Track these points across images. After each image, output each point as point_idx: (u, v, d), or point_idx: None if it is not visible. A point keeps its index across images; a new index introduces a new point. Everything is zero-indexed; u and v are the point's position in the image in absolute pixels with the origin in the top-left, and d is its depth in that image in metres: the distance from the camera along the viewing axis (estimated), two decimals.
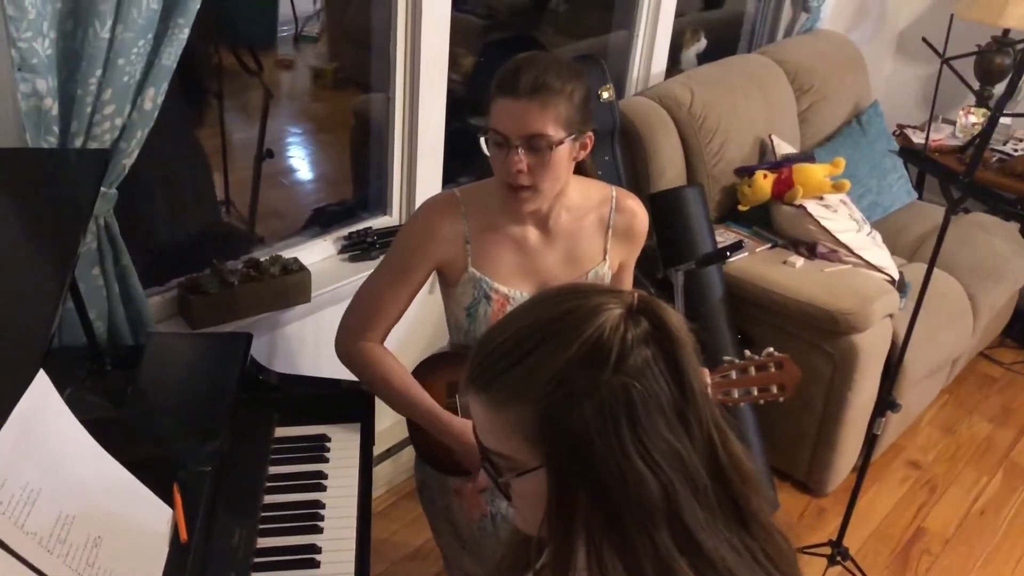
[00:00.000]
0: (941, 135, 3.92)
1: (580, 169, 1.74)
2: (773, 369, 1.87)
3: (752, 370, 1.86)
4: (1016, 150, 3.79)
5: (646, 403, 0.86)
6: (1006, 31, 3.80)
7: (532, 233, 1.73)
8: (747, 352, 1.89)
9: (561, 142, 1.55)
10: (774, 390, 1.87)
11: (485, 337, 0.94)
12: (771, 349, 1.88)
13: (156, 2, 1.60)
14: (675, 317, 0.91)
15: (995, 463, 3.21)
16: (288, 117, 4.05)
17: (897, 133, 3.95)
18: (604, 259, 1.76)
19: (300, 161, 4.00)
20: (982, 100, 4.03)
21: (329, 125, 4.13)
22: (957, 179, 1.97)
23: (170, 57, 1.67)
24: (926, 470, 3.16)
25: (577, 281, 0.93)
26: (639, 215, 1.79)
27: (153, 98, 1.69)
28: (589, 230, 1.76)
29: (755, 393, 1.88)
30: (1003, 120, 3.74)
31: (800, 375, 1.85)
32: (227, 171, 3.05)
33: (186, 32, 1.67)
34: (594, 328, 0.87)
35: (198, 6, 1.67)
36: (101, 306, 1.79)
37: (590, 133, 1.64)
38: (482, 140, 1.61)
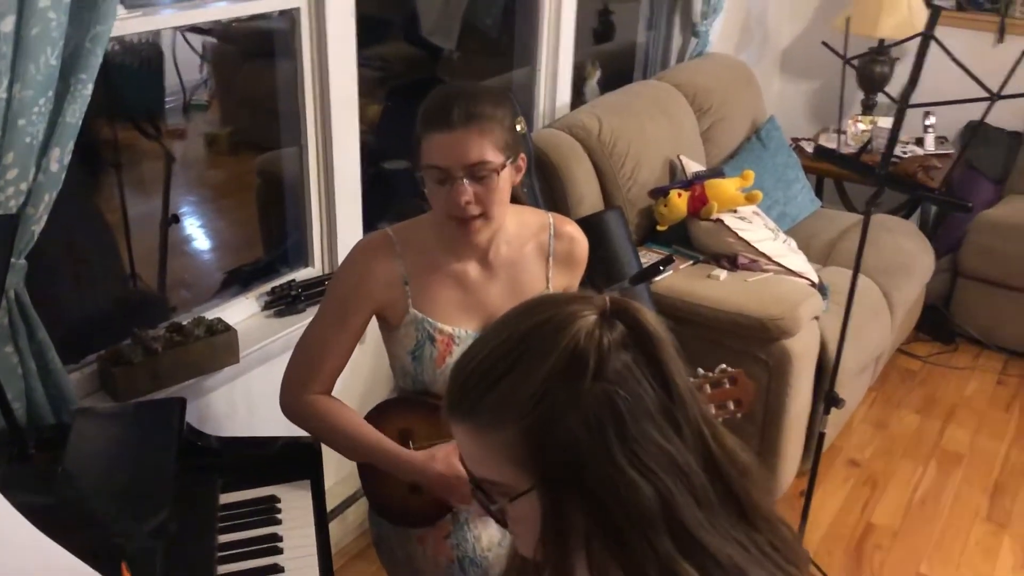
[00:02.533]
0: (833, 144, 4.07)
1: (513, 198, 1.73)
2: (728, 385, 1.85)
3: (707, 388, 1.84)
4: (905, 152, 3.97)
5: (631, 409, 0.84)
6: (881, 41, 3.99)
7: (472, 268, 1.70)
8: (700, 370, 1.87)
9: (503, 166, 1.53)
10: (731, 407, 1.84)
11: (460, 362, 0.91)
12: (724, 365, 1.86)
13: (55, 57, 1.52)
14: (651, 317, 0.89)
15: (928, 452, 3.30)
16: (185, 186, 3.94)
17: (792, 146, 4.09)
18: (548, 287, 1.73)
19: (203, 229, 3.88)
20: (867, 108, 4.22)
21: (229, 190, 4.04)
22: (874, 172, 2.03)
23: (74, 115, 1.59)
24: (865, 467, 3.22)
25: (549, 292, 0.91)
26: (579, 240, 1.77)
27: (59, 159, 1.59)
28: (529, 259, 1.73)
29: (712, 411, 1.85)
30: (885, 125, 3.93)
31: (756, 388, 1.84)
32: (130, 243, 2.93)
33: (89, 88, 1.59)
34: (569, 338, 0.85)
35: (100, 61, 1.60)
36: (17, 386, 1.67)
37: (523, 155, 1.63)
38: (419, 179, 1.57)
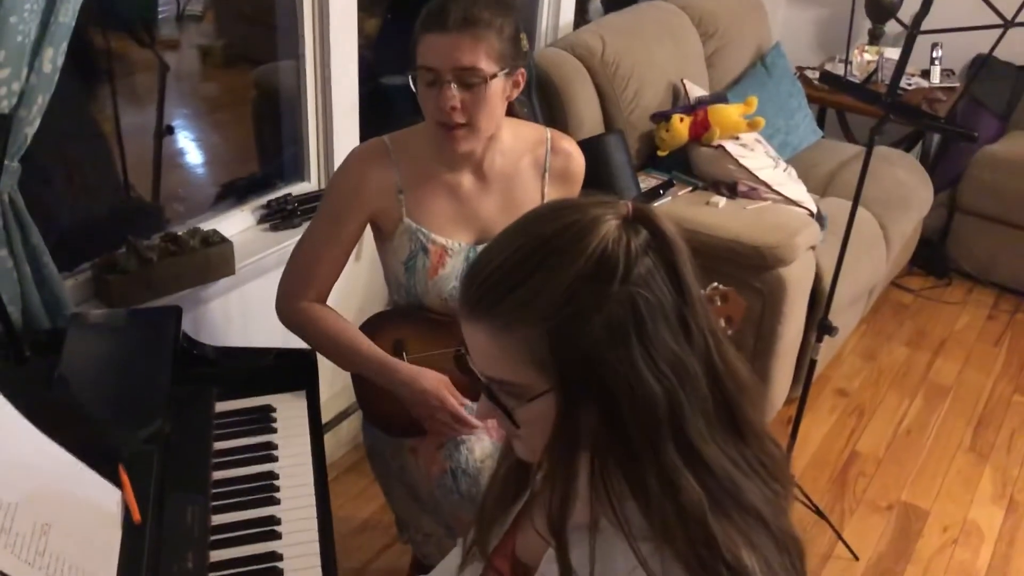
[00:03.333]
0: (838, 73, 4.01)
1: (510, 112, 1.70)
2: (719, 303, 1.87)
3: None
4: (910, 84, 3.92)
5: (652, 312, 0.84)
6: None
7: (467, 179, 1.69)
8: None
9: (494, 76, 1.51)
10: (722, 323, 1.86)
11: (478, 260, 0.90)
12: (716, 283, 1.87)
13: None
14: (671, 224, 0.89)
15: (915, 385, 3.34)
16: (178, 99, 3.87)
17: (797, 75, 4.03)
18: (542, 202, 1.72)
19: (197, 142, 3.83)
20: (874, 38, 4.15)
21: (223, 103, 3.97)
22: (881, 99, 2.01)
23: (67, 14, 1.55)
24: (853, 397, 3.26)
25: (568, 197, 0.91)
26: (575, 156, 1.76)
27: (52, 59, 1.56)
28: (525, 173, 1.72)
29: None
30: (891, 56, 3.87)
31: (747, 305, 1.85)
32: (124, 152, 2.90)
33: None
34: (598, 240, 0.85)
35: None
36: (13, 290, 1.66)
37: (522, 70, 1.60)
38: (411, 80, 1.55)
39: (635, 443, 0.85)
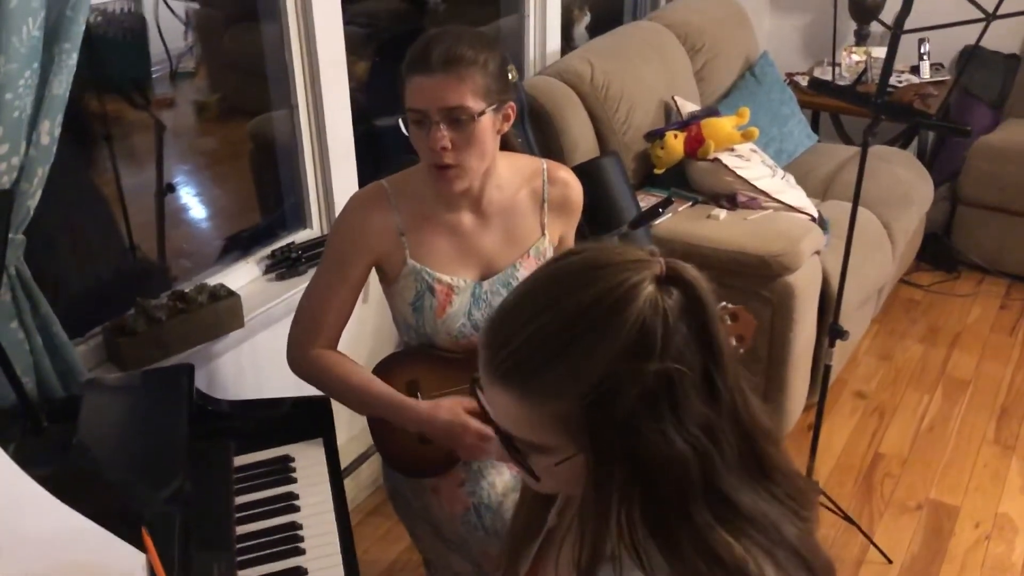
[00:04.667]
0: (828, 77, 4.03)
1: (505, 144, 1.71)
2: (729, 321, 1.87)
3: None
4: (901, 81, 3.93)
5: (683, 381, 0.83)
6: None
7: (467, 217, 1.69)
8: None
9: (482, 112, 1.52)
10: (733, 342, 1.86)
11: (503, 325, 0.88)
12: (724, 303, 1.87)
13: (37, 28, 1.49)
14: (701, 280, 0.87)
15: (933, 380, 3.32)
16: (178, 156, 3.91)
17: (787, 82, 4.05)
18: (543, 234, 1.73)
19: (198, 197, 3.86)
20: (861, 39, 4.18)
21: (221, 157, 4.01)
22: (871, 101, 2.01)
23: (61, 86, 1.57)
24: (872, 398, 3.24)
25: (587, 249, 0.87)
26: (573, 185, 1.76)
27: (49, 131, 1.58)
28: (524, 206, 1.72)
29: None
30: (879, 55, 3.88)
31: (756, 324, 1.85)
32: (127, 214, 2.92)
33: (74, 57, 1.57)
34: (636, 314, 0.82)
35: (83, 29, 1.58)
36: (25, 360, 1.67)
37: (511, 103, 1.61)
38: (401, 123, 1.56)
39: (668, 505, 0.85)
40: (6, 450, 1.35)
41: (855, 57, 4.00)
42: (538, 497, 1.05)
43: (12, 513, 1.11)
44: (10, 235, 1.58)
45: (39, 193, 1.62)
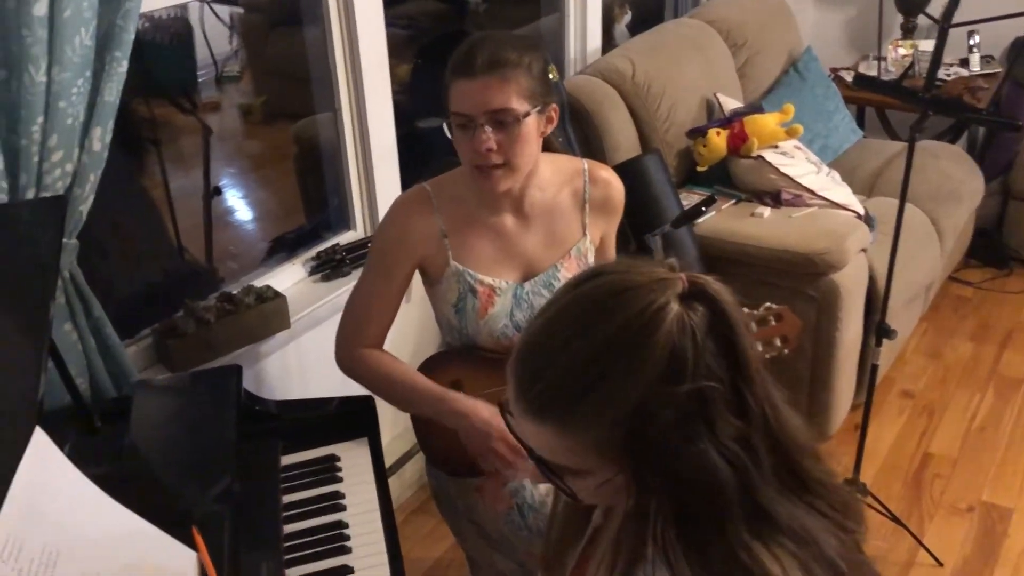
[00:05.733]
0: (873, 72, 3.97)
1: (547, 145, 1.72)
2: (773, 322, 1.85)
3: (753, 326, 1.84)
4: (949, 74, 3.86)
5: (716, 397, 0.83)
6: None
7: (508, 219, 1.70)
8: (744, 309, 1.86)
9: (527, 115, 1.52)
10: (777, 343, 1.84)
11: (532, 357, 0.87)
12: (769, 303, 1.86)
13: (89, 37, 1.53)
14: (726, 293, 0.86)
15: (984, 379, 3.25)
16: (224, 159, 3.97)
17: (831, 77, 3.99)
18: (584, 234, 1.73)
19: (245, 200, 3.92)
20: (907, 32, 4.10)
21: (267, 160, 4.06)
22: (918, 97, 1.98)
23: (112, 93, 1.61)
24: (920, 397, 3.18)
25: (607, 271, 0.86)
26: (614, 185, 1.76)
27: (101, 138, 1.62)
28: (565, 206, 1.73)
29: (759, 349, 1.85)
30: (926, 48, 3.82)
31: (802, 325, 1.83)
32: (175, 217, 2.98)
33: (124, 65, 1.61)
34: (665, 337, 0.81)
35: (132, 37, 1.61)
36: (79, 362, 1.72)
37: (554, 106, 1.61)
38: (445, 127, 1.57)
39: (701, 519, 0.84)
40: (61, 450, 1.39)
41: (901, 51, 3.94)
42: (579, 509, 1.05)
43: (72, 514, 1.14)
44: (64, 239, 1.62)
45: (91, 198, 1.66)
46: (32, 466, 1.11)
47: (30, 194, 1.56)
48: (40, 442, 1.15)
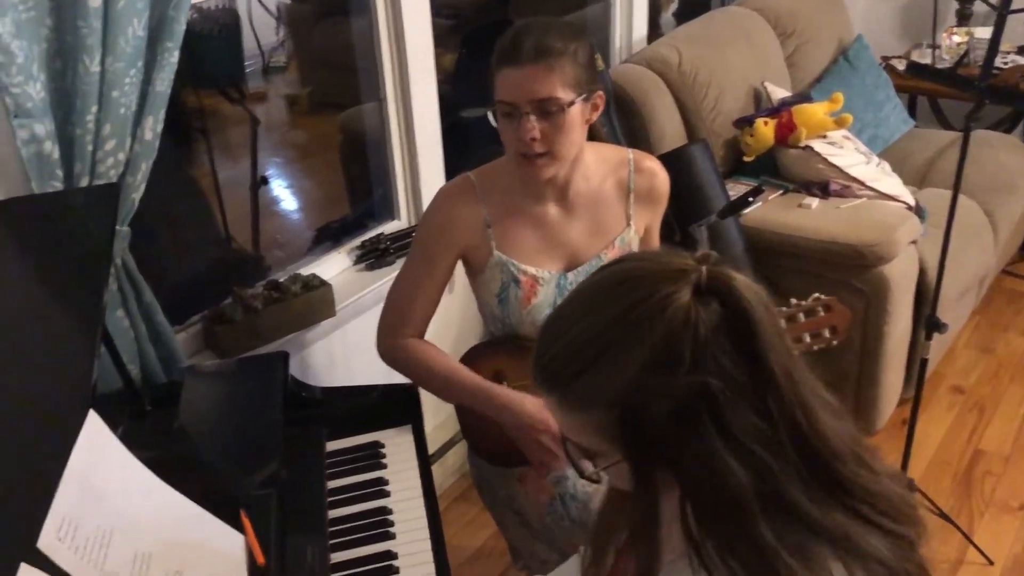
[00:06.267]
0: (927, 60, 3.89)
1: (591, 134, 1.71)
2: (822, 313, 1.83)
3: (800, 316, 1.82)
4: (1006, 62, 3.76)
5: (726, 394, 0.81)
6: None
7: (552, 209, 1.69)
8: (792, 300, 1.85)
9: (572, 103, 1.52)
10: (826, 334, 1.82)
11: (547, 333, 0.90)
12: (817, 294, 1.84)
13: (142, 28, 1.56)
14: (748, 289, 0.85)
15: None
16: (270, 149, 4.02)
17: (883, 65, 3.92)
18: (629, 224, 1.72)
19: (290, 189, 3.96)
20: (963, 19, 4.01)
21: (312, 149, 4.10)
22: (973, 85, 1.94)
23: (163, 83, 1.64)
24: (971, 393, 3.12)
25: (633, 257, 0.86)
26: (659, 175, 1.75)
27: (152, 127, 1.65)
28: (609, 196, 1.72)
29: (807, 340, 1.82)
30: (983, 36, 3.72)
31: (851, 315, 1.81)
32: (223, 206, 3.02)
33: (176, 55, 1.64)
34: (664, 325, 0.81)
35: (183, 28, 1.63)
36: (131, 348, 1.75)
37: (600, 93, 1.60)
38: (490, 115, 1.57)
39: (723, 518, 0.83)
40: (114, 433, 1.42)
41: (956, 38, 3.85)
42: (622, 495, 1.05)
43: (124, 495, 1.16)
44: (117, 227, 1.66)
45: (143, 186, 1.69)
46: (87, 449, 1.13)
47: (84, 182, 1.59)
48: (94, 425, 1.18)
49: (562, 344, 0.86)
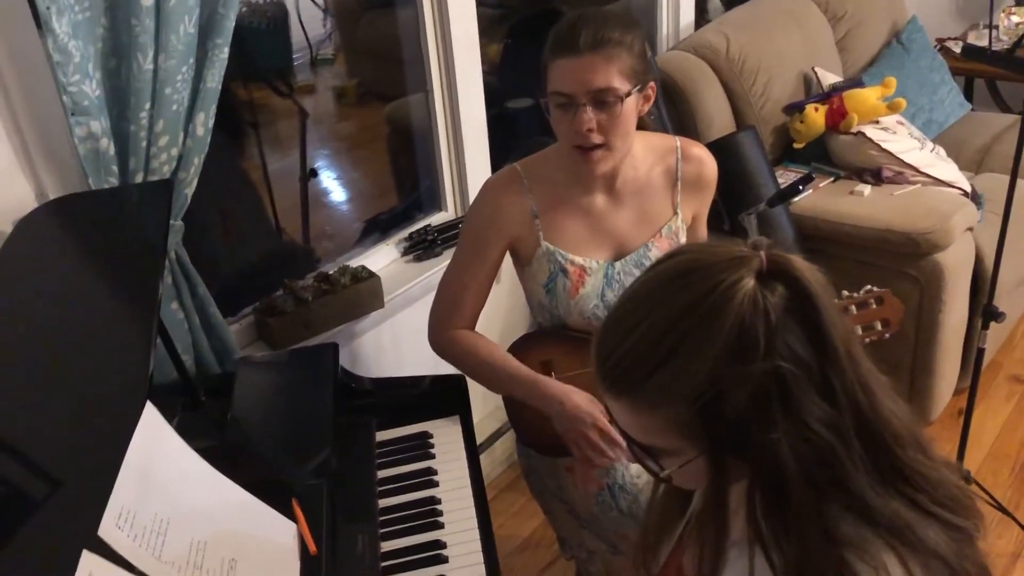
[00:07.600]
0: (983, 42, 3.79)
1: (639, 124, 1.69)
2: (874, 305, 1.80)
3: (852, 309, 1.79)
4: None
5: (796, 378, 0.81)
6: None
7: (599, 198, 1.69)
8: (844, 292, 1.82)
9: (628, 94, 1.51)
10: (878, 327, 1.80)
11: (608, 336, 0.88)
12: (869, 286, 1.81)
13: (193, 25, 1.58)
14: (809, 272, 0.84)
15: None
16: (318, 141, 4.06)
17: (937, 47, 3.83)
18: (676, 213, 1.71)
19: (339, 181, 4.00)
20: None
21: (360, 141, 4.13)
22: None
23: (214, 79, 1.66)
24: None
25: (685, 250, 0.90)
26: (707, 163, 1.73)
27: (204, 123, 1.68)
28: (657, 185, 1.71)
29: (859, 333, 1.80)
30: None
31: (904, 308, 1.78)
32: (273, 199, 3.06)
33: (226, 52, 1.66)
34: (734, 314, 0.81)
35: (233, 24, 1.66)
36: (185, 339, 1.79)
37: (652, 83, 1.59)
38: (543, 105, 1.57)
39: (791, 499, 0.83)
40: (170, 424, 1.45)
41: (1015, 19, 3.74)
42: (672, 490, 1.05)
43: (180, 484, 1.19)
44: (171, 221, 1.69)
45: (195, 181, 1.72)
46: (144, 439, 1.16)
47: (139, 178, 1.63)
48: (151, 416, 1.20)
49: (628, 345, 0.85)
